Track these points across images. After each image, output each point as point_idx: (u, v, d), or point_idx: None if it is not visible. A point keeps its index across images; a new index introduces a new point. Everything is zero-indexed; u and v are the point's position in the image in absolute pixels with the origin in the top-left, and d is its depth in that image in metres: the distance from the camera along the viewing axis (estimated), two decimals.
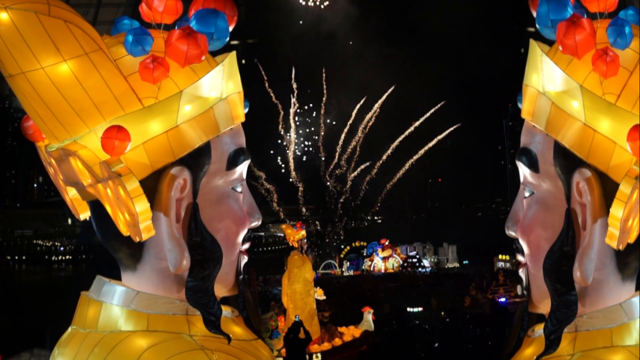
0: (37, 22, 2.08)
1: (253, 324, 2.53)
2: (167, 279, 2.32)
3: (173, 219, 2.26)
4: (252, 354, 2.38)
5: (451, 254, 42.03)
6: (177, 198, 2.27)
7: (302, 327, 13.60)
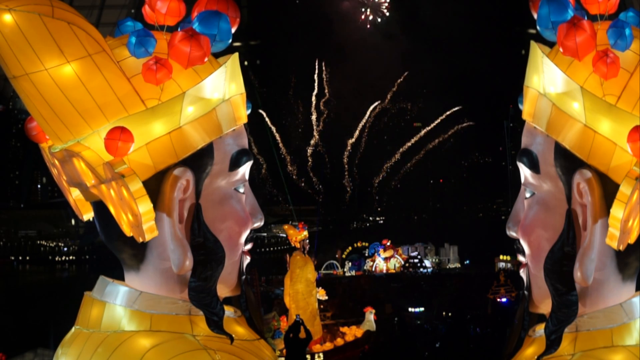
0: (41, 24, 2.09)
1: (255, 324, 2.53)
2: (170, 279, 2.33)
3: (176, 219, 2.27)
4: (255, 354, 2.39)
5: (452, 255, 42.00)
6: (180, 199, 2.27)
7: (303, 326, 13.57)
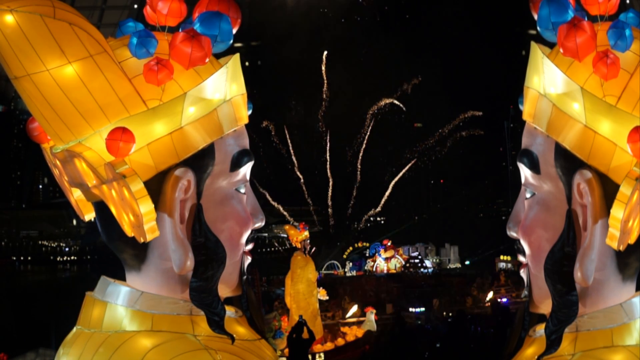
0: (43, 24, 2.10)
1: (256, 324, 2.54)
2: (171, 280, 2.34)
3: (177, 220, 2.28)
4: (256, 354, 2.40)
5: (453, 255, 42.00)
6: (181, 199, 2.28)
7: (306, 327, 13.59)
